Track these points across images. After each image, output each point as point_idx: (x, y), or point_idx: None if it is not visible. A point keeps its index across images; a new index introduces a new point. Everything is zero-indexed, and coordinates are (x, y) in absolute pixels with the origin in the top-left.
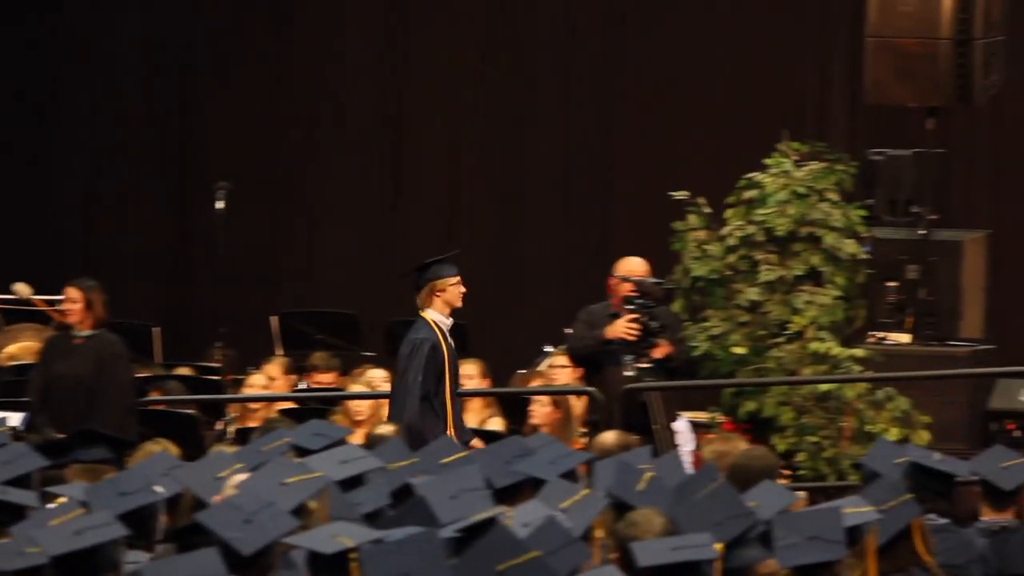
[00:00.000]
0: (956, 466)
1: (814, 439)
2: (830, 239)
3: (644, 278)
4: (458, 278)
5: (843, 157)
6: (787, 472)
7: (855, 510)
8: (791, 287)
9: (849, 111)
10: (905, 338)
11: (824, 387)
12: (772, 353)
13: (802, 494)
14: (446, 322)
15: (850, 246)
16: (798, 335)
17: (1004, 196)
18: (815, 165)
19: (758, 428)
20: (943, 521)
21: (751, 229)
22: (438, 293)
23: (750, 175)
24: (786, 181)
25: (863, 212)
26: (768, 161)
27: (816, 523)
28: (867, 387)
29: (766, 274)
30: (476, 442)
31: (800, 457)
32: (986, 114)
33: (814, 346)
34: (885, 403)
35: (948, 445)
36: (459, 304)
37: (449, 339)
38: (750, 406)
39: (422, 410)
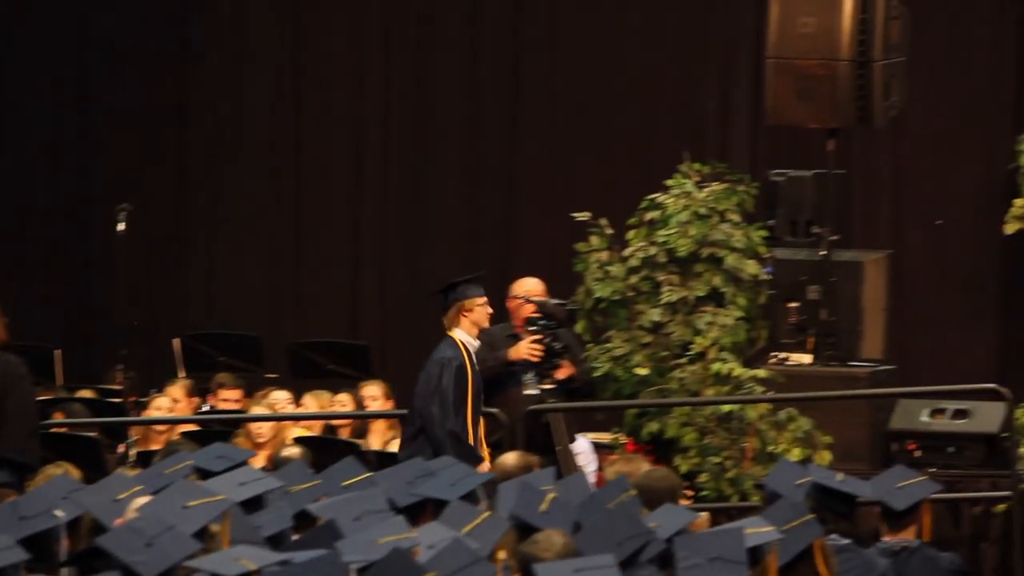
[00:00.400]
0: (857, 486)
1: (716, 460)
2: (732, 260)
3: (547, 299)
4: (485, 299)
5: (744, 178)
6: (689, 493)
7: (757, 530)
8: (693, 308)
9: (750, 132)
10: (807, 359)
11: (726, 408)
12: (674, 374)
13: (704, 514)
14: (473, 343)
15: (751, 267)
16: (700, 356)
17: (904, 217)
18: (717, 186)
19: (661, 449)
20: (845, 541)
21: (653, 250)
22: (465, 313)
23: (652, 196)
24: (688, 202)
25: (764, 233)
26: (670, 182)
27: (718, 544)
28: (769, 408)
29: (668, 295)
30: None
31: (702, 478)
32: (886, 135)
33: (716, 367)
34: (787, 424)
35: (849, 465)
36: (486, 324)
37: (474, 359)
38: (653, 427)
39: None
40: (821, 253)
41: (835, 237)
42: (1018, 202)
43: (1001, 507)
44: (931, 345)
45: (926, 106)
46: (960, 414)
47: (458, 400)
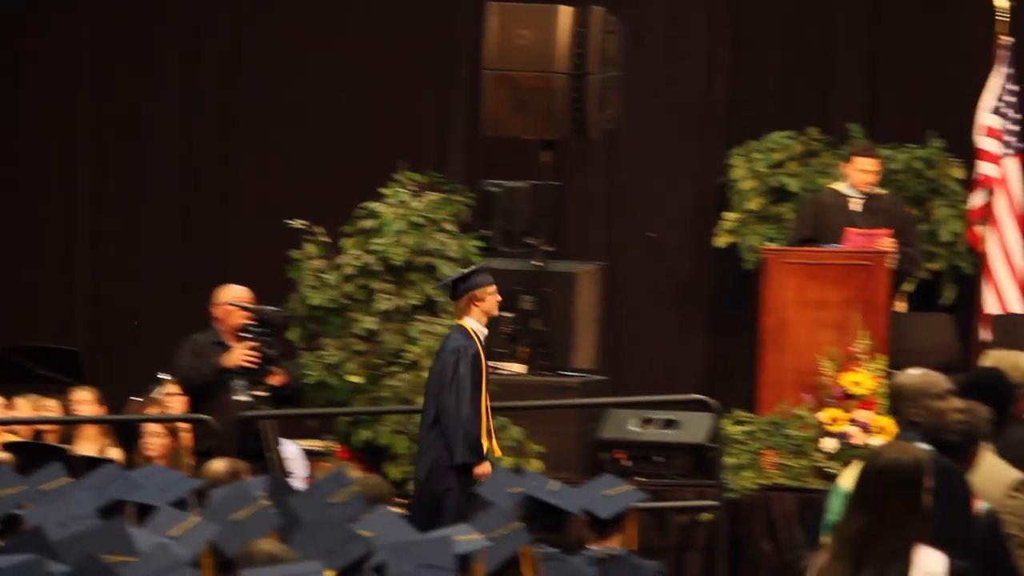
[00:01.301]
0: (569, 497)
1: None
2: (446, 269)
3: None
4: (495, 287)
5: (460, 188)
6: (402, 500)
7: (466, 538)
8: (407, 316)
9: (467, 143)
10: (519, 368)
11: None
12: (387, 382)
13: None
14: (483, 331)
15: None
16: (414, 364)
17: (617, 229)
18: (432, 196)
19: (373, 456)
20: (552, 550)
21: (368, 258)
22: (477, 303)
23: (368, 205)
24: (403, 211)
25: (479, 243)
26: (385, 191)
27: (428, 551)
28: None
29: (382, 303)
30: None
31: (414, 486)
32: (601, 148)
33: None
34: (499, 432)
35: (560, 474)
36: (496, 313)
37: (485, 348)
38: (365, 435)
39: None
40: (535, 264)
41: (549, 248)
42: (729, 216)
43: (707, 516)
44: (642, 356)
45: (641, 120)
46: (669, 424)
47: (474, 389)
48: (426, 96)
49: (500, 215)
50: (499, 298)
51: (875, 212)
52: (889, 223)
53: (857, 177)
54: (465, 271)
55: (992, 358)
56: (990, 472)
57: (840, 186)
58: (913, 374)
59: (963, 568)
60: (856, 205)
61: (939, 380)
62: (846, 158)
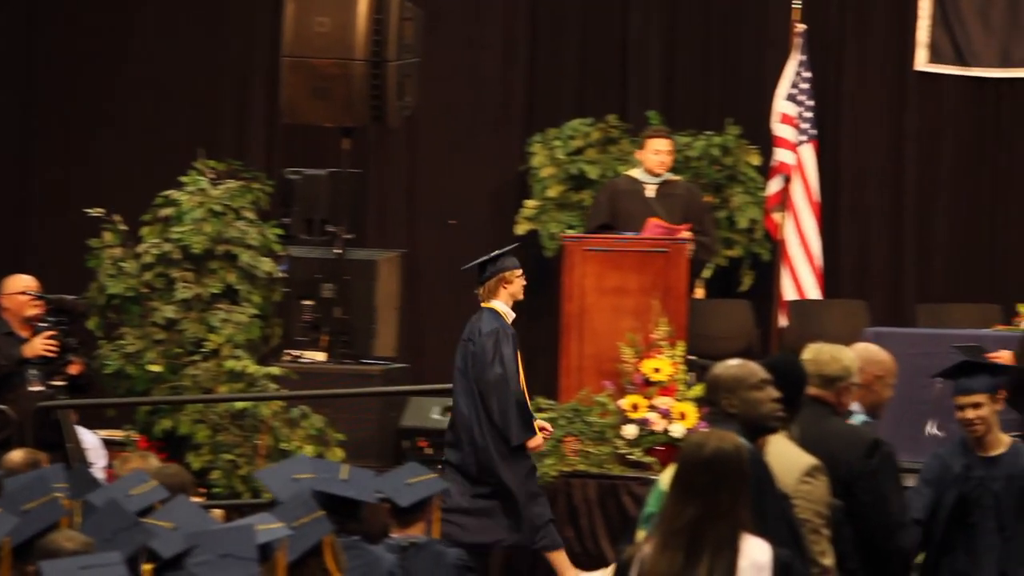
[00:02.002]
0: (364, 486)
1: (229, 457)
2: (246, 257)
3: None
4: (521, 270)
5: (260, 176)
6: (202, 490)
7: (267, 527)
8: (207, 305)
9: (267, 130)
10: (320, 356)
11: (240, 405)
12: (188, 371)
13: (219, 512)
14: (511, 314)
15: (266, 264)
16: (214, 353)
17: (418, 217)
18: (232, 183)
19: (173, 446)
20: (353, 538)
21: (167, 247)
22: (505, 285)
23: (167, 193)
24: (203, 199)
25: (279, 231)
26: (184, 179)
27: (229, 540)
28: (283, 405)
29: (182, 292)
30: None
31: (215, 475)
32: (401, 135)
33: (230, 364)
34: (300, 421)
35: (362, 462)
36: (522, 296)
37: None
38: (165, 424)
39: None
40: (335, 251)
41: (349, 236)
42: (529, 203)
43: None
44: (444, 344)
45: (440, 107)
46: None
47: (517, 368)
48: (225, 84)
49: (300, 203)
50: (525, 281)
51: (670, 198)
52: (683, 209)
53: (652, 160)
54: (493, 253)
55: (812, 350)
56: (782, 458)
57: (635, 173)
58: (730, 364)
59: (786, 555)
60: (651, 191)
61: (755, 370)
62: (641, 145)
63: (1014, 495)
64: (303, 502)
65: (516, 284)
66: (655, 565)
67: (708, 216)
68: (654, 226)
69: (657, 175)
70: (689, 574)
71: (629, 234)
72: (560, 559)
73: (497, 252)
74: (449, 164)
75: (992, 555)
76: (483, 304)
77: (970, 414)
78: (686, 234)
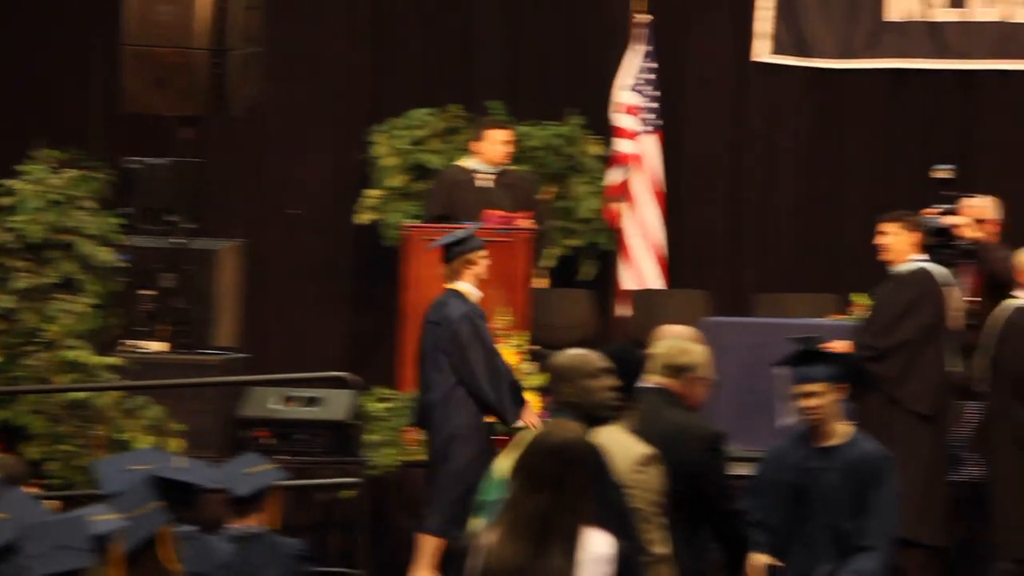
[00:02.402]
0: (201, 474)
1: (67, 448)
2: (85, 247)
3: None
4: (487, 251)
5: (100, 165)
6: (39, 481)
7: (102, 518)
8: (45, 295)
9: (107, 119)
10: (160, 346)
11: (77, 395)
12: (25, 361)
13: (55, 503)
14: (477, 294)
15: (105, 254)
16: (51, 343)
17: (259, 206)
18: (72, 173)
19: (9, 437)
20: (190, 528)
21: (5, 236)
22: (470, 266)
23: (4, 182)
24: (42, 188)
25: (119, 220)
26: (23, 168)
27: (63, 531)
28: (121, 396)
29: (20, 281)
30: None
31: (52, 465)
32: (243, 125)
33: (67, 354)
34: (138, 412)
35: (201, 453)
36: (486, 276)
37: None
38: (1, 415)
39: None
40: (175, 241)
41: (190, 225)
42: (370, 193)
43: (347, 493)
44: (284, 333)
45: (282, 96)
46: (311, 402)
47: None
48: (65, 72)
49: (141, 192)
50: (489, 262)
51: (504, 188)
52: (517, 199)
53: (494, 151)
54: (457, 235)
55: (664, 345)
56: (617, 447)
57: (469, 163)
58: (568, 354)
59: (629, 548)
60: (486, 181)
61: (593, 359)
62: (479, 136)
63: (849, 487)
64: (139, 493)
65: (481, 265)
66: (501, 554)
67: (543, 205)
68: (491, 217)
69: (496, 165)
70: (537, 564)
71: (468, 224)
72: (428, 546)
73: (460, 234)
74: (290, 153)
75: (828, 549)
76: (446, 285)
77: (808, 403)
78: (523, 223)
